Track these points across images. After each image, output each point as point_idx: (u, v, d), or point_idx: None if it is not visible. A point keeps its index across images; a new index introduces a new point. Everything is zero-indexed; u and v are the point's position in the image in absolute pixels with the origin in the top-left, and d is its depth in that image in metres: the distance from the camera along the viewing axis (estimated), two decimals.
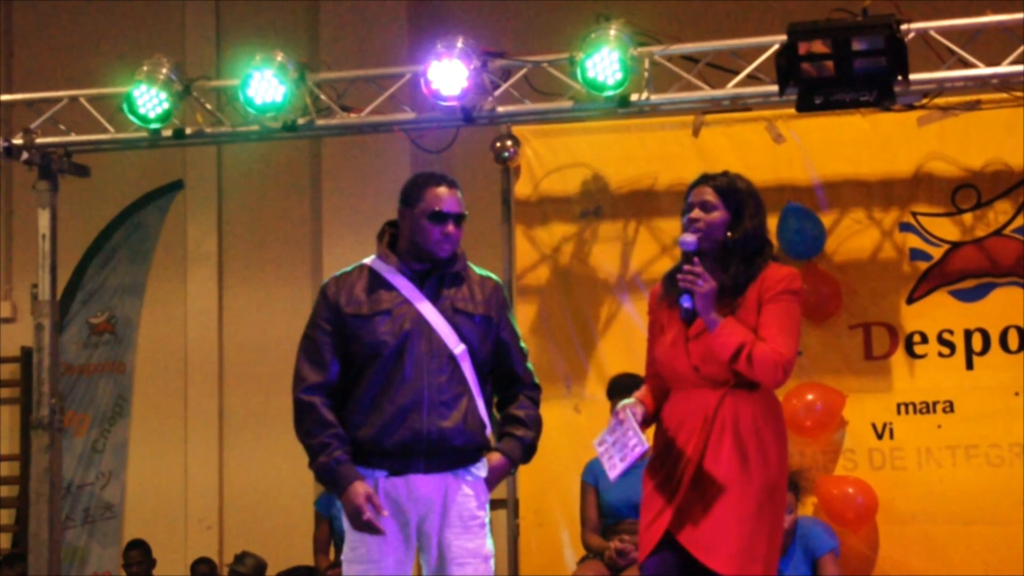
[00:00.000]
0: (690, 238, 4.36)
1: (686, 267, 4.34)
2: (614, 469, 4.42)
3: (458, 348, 4.49)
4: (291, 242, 9.69)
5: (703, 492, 4.31)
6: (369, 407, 4.47)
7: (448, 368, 4.48)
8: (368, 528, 4.33)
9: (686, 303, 4.36)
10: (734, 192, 4.46)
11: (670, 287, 4.47)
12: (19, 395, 9.29)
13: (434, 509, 4.45)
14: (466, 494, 4.49)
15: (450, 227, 4.53)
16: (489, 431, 4.57)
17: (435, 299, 4.53)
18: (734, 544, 4.26)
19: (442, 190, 4.56)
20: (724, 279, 4.36)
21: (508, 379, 4.68)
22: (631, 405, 4.42)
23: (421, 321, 4.48)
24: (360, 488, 4.37)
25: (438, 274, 4.58)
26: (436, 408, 4.45)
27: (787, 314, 4.39)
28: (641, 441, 4.35)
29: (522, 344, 4.72)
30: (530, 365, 4.75)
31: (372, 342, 4.45)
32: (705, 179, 4.52)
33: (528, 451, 4.65)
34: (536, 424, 4.66)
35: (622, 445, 4.41)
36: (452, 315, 4.52)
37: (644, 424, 4.43)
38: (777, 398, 4.55)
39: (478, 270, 4.68)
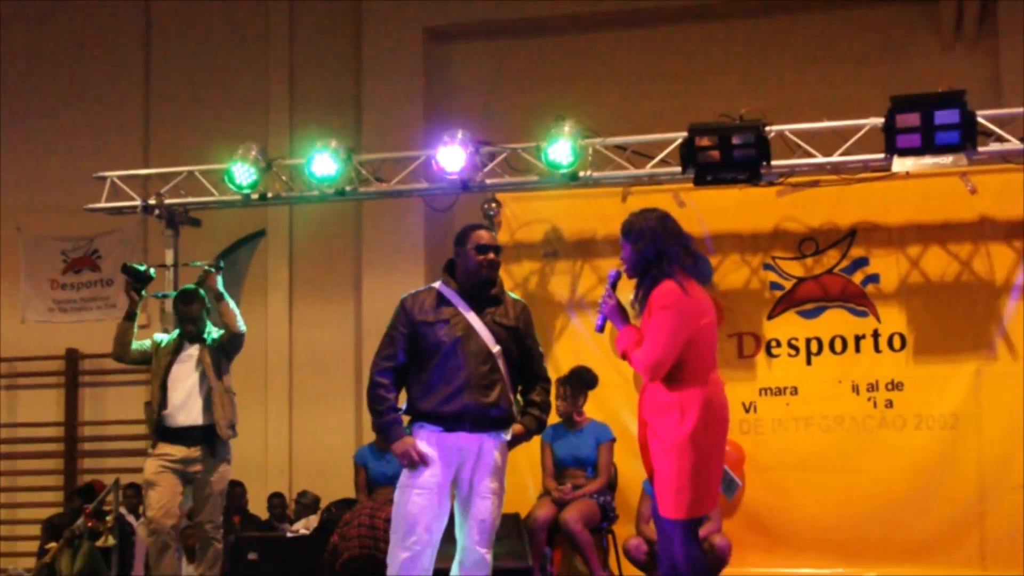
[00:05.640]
0: (612, 270, 4.82)
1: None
2: None
3: (495, 348, 4.91)
4: (340, 275, 10.26)
5: (649, 459, 4.70)
6: (432, 387, 4.87)
7: (489, 361, 4.87)
8: (411, 464, 4.83)
9: (598, 320, 4.83)
10: (627, 231, 4.71)
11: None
12: None
13: (470, 457, 4.87)
14: (495, 449, 4.92)
15: (491, 255, 4.94)
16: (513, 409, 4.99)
17: (480, 313, 4.93)
18: (660, 491, 4.59)
19: (483, 232, 5.01)
20: (637, 296, 4.63)
21: (530, 373, 5.06)
22: None
23: (470, 328, 4.92)
24: (408, 440, 4.82)
25: (484, 295, 4.99)
26: (479, 389, 4.85)
27: (653, 327, 4.51)
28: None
29: (540, 349, 5.13)
30: (545, 364, 5.15)
31: (435, 341, 4.91)
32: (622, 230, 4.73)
33: (541, 425, 5.07)
34: (546, 407, 5.06)
35: None
36: (492, 325, 4.92)
37: None
38: (692, 389, 4.48)
39: (511, 295, 5.11)
